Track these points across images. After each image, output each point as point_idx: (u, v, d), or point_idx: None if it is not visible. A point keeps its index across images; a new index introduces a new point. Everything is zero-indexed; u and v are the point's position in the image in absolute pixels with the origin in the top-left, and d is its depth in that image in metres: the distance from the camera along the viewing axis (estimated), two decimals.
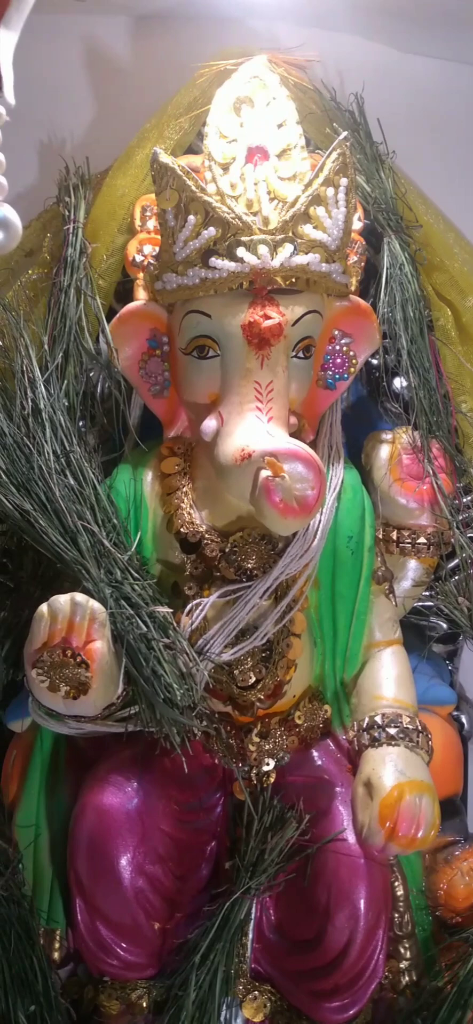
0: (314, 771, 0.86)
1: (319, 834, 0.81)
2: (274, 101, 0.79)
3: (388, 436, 0.91)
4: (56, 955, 0.85)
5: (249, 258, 0.74)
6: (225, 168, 0.77)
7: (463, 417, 0.93)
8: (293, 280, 0.76)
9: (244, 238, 0.75)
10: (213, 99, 0.80)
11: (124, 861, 0.79)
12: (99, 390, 0.92)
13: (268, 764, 0.85)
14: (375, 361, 0.93)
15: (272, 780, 0.85)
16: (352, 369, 0.87)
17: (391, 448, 0.90)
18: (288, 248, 0.75)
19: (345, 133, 0.79)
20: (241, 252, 0.74)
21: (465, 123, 1.05)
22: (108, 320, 0.87)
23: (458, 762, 0.96)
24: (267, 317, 0.75)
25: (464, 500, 0.94)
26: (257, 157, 0.77)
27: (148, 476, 0.86)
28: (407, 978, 0.85)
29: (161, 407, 0.87)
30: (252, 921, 0.83)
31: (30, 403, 0.83)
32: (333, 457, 0.88)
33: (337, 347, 0.86)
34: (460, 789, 0.97)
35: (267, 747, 0.84)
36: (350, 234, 0.81)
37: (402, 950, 0.85)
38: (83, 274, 0.89)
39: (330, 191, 0.77)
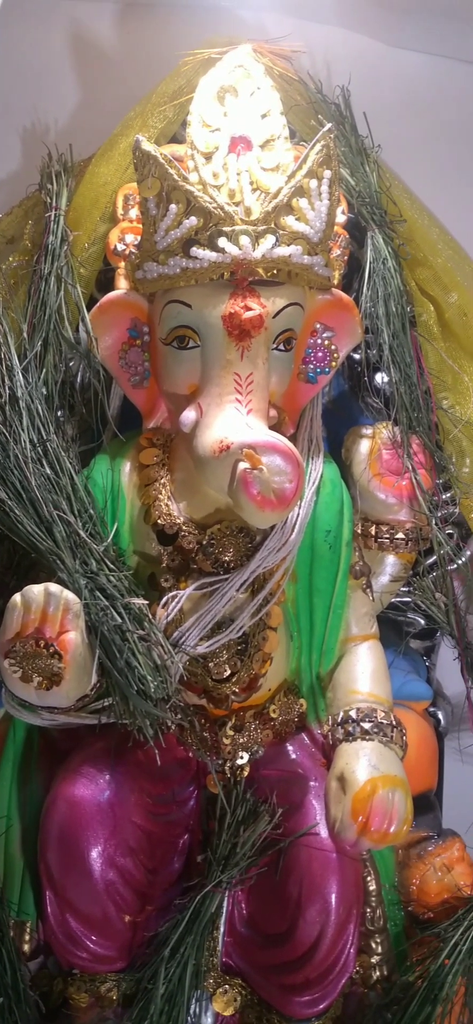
0: (288, 765, 0.86)
1: (292, 828, 0.81)
2: (258, 91, 0.78)
3: (368, 431, 0.91)
4: (26, 947, 0.84)
5: (230, 248, 0.74)
6: (208, 157, 0.76)
7: (444, 413, 0.94)
8: (275, 272, 0.76)
9: (226, 228, 0.74)
10: (197, 87, 0.80)
11: (95, 853, 0.79)
12: (79, 379, 0.91)
13: (242, 757, 0.84)
14: (357, 356, 0.94)
15: (246, 773, 0.85)
16: (333, 363, 0.87)
17: (371, 443, 0.90)
18: (270, 239, 0.75)
19: (329, 125, 0.78)
20: (222, 242, 0.74)
21: (451, 118, 1.05)
22: (89, 309, 0.86)
23: (433, 758, 0.97)
24: (248, 308, 0.75)
25: (443, 496, 0.94)
26: (240, 147, 0.76)
27: (126, 467, 0.86)
28: (378, 973, 0.85)
29: (141, 397, 0.86)
30: (223, 915, 0.82)
31: (7, 391, 0.82)
32: (313, 451, 0.87)
33: (319, 340, 0.86)
34: (434, 785, 0.97)
35: (241, 740, 0.84)
36: (333, 227, 0.81)
37: (374, 945, 0.85)
38: (64, 262, 0.88)
39: (313, 183, 0.76)
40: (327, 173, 0.77)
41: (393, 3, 0.93)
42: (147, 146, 0.75)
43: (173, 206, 0.75)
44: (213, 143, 0.76)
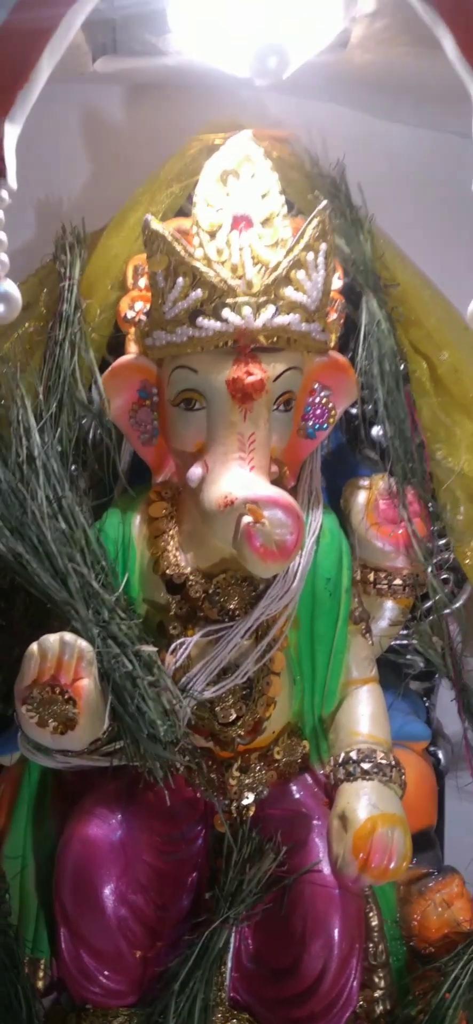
0: (292, 804, 0.89)
1: (296, 865, 0.83)
2: (258, 173, 0.83)
3: (365, 482, 0.95)
4: (40, 984, 0.87)
5: (233, 318, 0.79)
6: (212, 235, 0.81)
7: (437, 464, 0.97)
8: (275, 339, 0.80)
9: (229, 300, 0.79)
10: (202, 170, 0.86)
11: (108, 891, 0.82)
12: (91, 436, 0.96)
13: (248, 798, 0.87)
14: (354, 411, 0.97)
15: (251, 813, 0.88)
16: (331, 420, 0.92)
17: (368, 494, 0.94)
18: (270, 309, 0.79)
19: (325, 202, 0.84)
20: (226, 313, 0.79)
21: (440, 185, 1.11)
22: (101, 371, 0.91)
23: (432, 796, 0.99)
24: (250, 373, 0.79)
25: (438, 544, 0.98)
26: (242, 225, 0.81)
27: (136, 519, 0.90)
28: (381, 1007, 0.87)
29: (150, 454, 0.91)
30: (231, 950, 0.85)
31: (25, 451, 0.87)
32: (312, 502, 0.91)
33: (317, 399, 0.90)
34: (434, 822, 1.00)
35: (247, 781, 0.87)
36: (329, 295, 0.86)
37: (376, 979, 0.87)
38: (77, 328, 0.93)
39: (310, 256, 0.81)
40: (323, 246, 0.82)
41: (382, 83, 0.99)
42: (156, 225, 0.81)
43: (180, 279, 0.80)
44: (217, 221, 0.81)
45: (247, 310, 0.79)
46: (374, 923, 0.88)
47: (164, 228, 0.81)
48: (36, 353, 0.96)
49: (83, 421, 0.94)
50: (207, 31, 0.84)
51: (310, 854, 0.84)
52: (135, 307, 0.91)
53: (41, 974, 0.87)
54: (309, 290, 0.82)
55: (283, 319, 0.80)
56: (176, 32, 0.87)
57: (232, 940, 0.85)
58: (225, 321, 0.79)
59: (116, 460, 0.94)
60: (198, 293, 0.79)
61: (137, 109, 1.08)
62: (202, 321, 0.79)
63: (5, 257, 0.64)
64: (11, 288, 0.64)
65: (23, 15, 0.59)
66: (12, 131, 0.62)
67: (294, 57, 0.83)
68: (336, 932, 0.81)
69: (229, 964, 0.85)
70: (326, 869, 0.83)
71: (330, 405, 0.91)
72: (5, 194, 0.63)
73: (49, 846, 0.88)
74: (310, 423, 0.91)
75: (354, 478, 0.97)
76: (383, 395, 0.93)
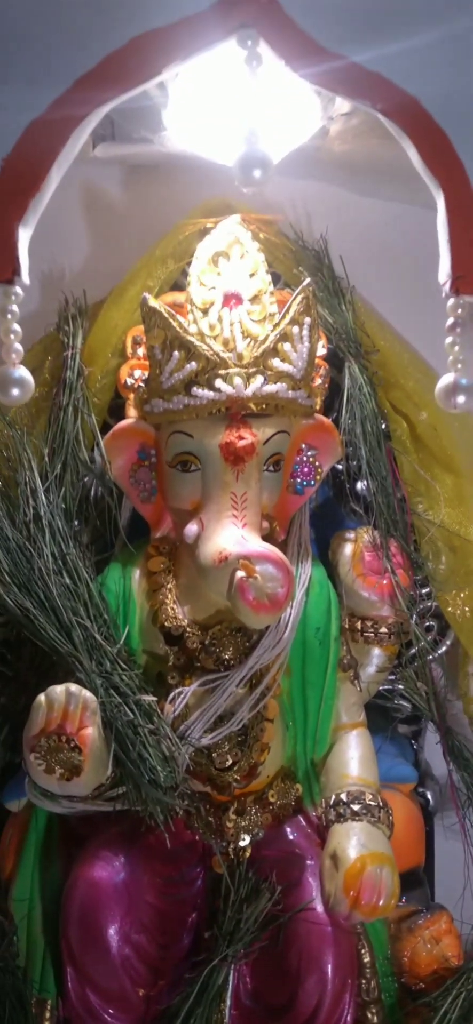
0: (286, 846, 0.92)
1: (291, 904, 0.87)
2: (247, 254, 0.90)
3: (351, 535, 1.00)
4: None
5: (226, 388, 0.84)
6: (205, 311, 0.87)
7: (418, 517, 1.03)
8: (264, 406, 0.86)
9: (221, 371, 0.84)
10: (195, 251, 0.92)
11: (112, 930, 0.85)
12: (93, 494, 1.00)
13: (244, 840, 0.91)
14: (340, 466, 1.03)
15: (248, 854, 0.91)
16: (318, 477, 0.97)
17: (354, 546, 0.98)
18: (259, 379, 0.85)
19: (308, 280, 0.90)
20: (219, 383, 0.84)
21: (416, 255, 1.17)
22: (102, 432, 0.97)
23: (419, 836, 1.03)
24: (241, 438, 0.84)
25: (421, 592, 1.04)
26: (232, 302, 0.87)
27: (136, 574, 0.94)
28: None
29: (149, 511, 0.95)
30: (229, 988, 0.87)
31: (32, 510, 0.92)
32: (302, 555, 0.96)
33: (304, 458, 0.96)
34: (422, 861, 1.03)
35: (243, 824, 0.91)
36: (314, 364, 0.92)
37: (369, 1015, 0.90)
38: (80, 394, 0.99)
39: (295, 329, 0.87)
40: (307, 320, 0.88)
41: (361, 166, 1.06)
42: (153, 303, 0.87)
43: (176, 353, 0.85)
44: (209, 299, 0.88)
45: (238, 380, 0.85)
46: (366, 960, 0.91)
47: (161, 305, 0.87)
48: (41, 417, 1.01)
49: (85, 480, 0.99)
50: (198, 129, 0.92)
51: (304, 893, 0.88)
52: (134, 375, 0.97)
53: (48, 1014, 0.89)
54: (295, 360, 0.88)
55: (271, 388, 0.86)
56: (170, 129, 0.94)
57: (231, 978, 0.88)
58: (218, 391, 0.85)
59: (117, 517, 0.99)
60: (193, 365, 0.85)
61: (134, 188, 1.14)
62: (197, 391, 0.85)
63: (19, 346, 0.70)
64: (26, 374, 0.70)
65: (36, 133, 0.66)
66: (25, 234, 0.68)
67: (277, 153, 0.90)
68: (329, 968, 0.84)
69: (228, 1002, 0.87)
70: (319, 907, 0.86)
71: (317, 463, 0.97)
72: (19, 290, 0.69)
73: (55, 889, 0.91)
74: (298, 480, 0.97)
75: (341, 531, 1.02)
76: (366, 453, 0.99)
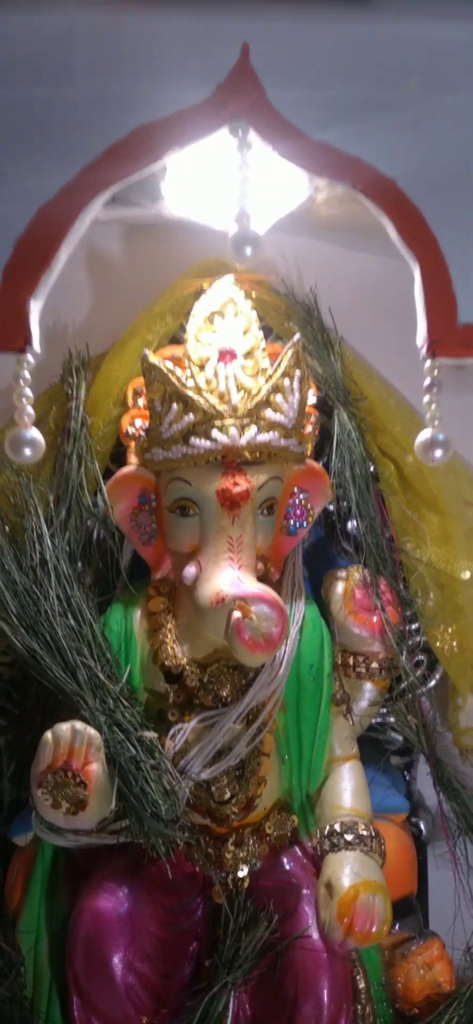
0: (283, 875, 0.95)
1: (288, 932, 0.90)
2: (240, 313, 0.95)
3: (342, 574, 1.03)
4: None
5: (221, 438, 0.89)
6: (201, 367, 0.92)
7: (407, 556, 1.07)
8: (258, 454, 0.90)
9: (217, 422, 0.89)
10: (192, 309, 0.97)
11: (117, 959, 0.88)
12: (95, 537, 1.04)
13: (242, 870, 0.94)
14: (331, 507, 1.06)
15: (246, 885, 0.94)
16: (310, 518, 1.01)
17: (345, 584, 1.02)
18: (253, 429, 0.90)
19: (298, 335, 0.95)
20: (215, 433, 0.89)
21: (401, 306, 1.22)
22: (105, 477, 1.01)
23: (412, 865, 1.05)
24: (237, 484, 0.89)
25: (410, 628, 1.08)
26: (227, 357, 0.91)
27: (137, 614, 0.98)
28: None
29: (149, 553, 0.99)
30: (229, 1014, 0.89)
31: (38, 555, 0.95)
32: (295, 594, 1.00)
33: (296, 501, 1.00)
34: (414, 889, 1.06)
35: (241, 855, 0.94)
36: (304, 413, 0.96)
37: None
38: (84, 442, 1.02)
39: (286, 381, 0.92)
40: (297, 372, 0.93)
41: (347, 226, 1.12)
42: (153, 359, 0.92)
43: (174, 405, 0.90)
44: (206, 355, 0.92)
45: (233, 431, 0.89)
46: (361, 986, 0.93)
47: (160, 361, 0.92)
48: (47, 465, 1.05)
49: (89, 524, 1.03)
50: (193, 199, 0.98)
51: (300, 921, 0.91)
52: (135, 424, 1.01)
53: None
54: (286, 411, 0.92)
55: (264, 437, 0.91)
56: (167, 198, 1.00)
57: (231, 1004, 0.90)
58: (214, 440, 0.89)
59: (118, 559, 1.03)
60: (190, 417, 0.90)
61: (133, 247, 1.18)
62: (194, 440, 0.90)
63: (31, 410, 0.76)
64: (37, 435, 0.76)
65: (46, 216, 0.72)
66: (36, 307, 0.74)
67: (267, 221, 0.97)
68: (325, 994, 0.86)
69: None
70: (315, 935, 0.89)
71: (309, 506, 1.01)
72: (31, 358, 0.75)
73: (61, 921, 0.93)
74: (291, 522, 1.01)
75: (332, 569, 1.06)
76: (355, 495, 1.04)
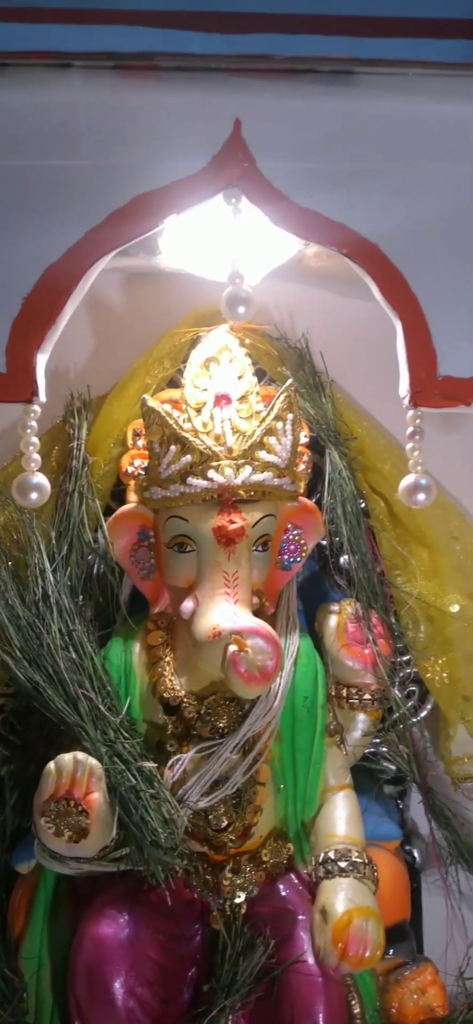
0: (279, 902, 0.97)
1: (284, 957, 0.92)
2: (235, 359, 0.99)
3: (336, 607, 1.06)
4: None
5: (217, 478, 0.92)
6: (198, 411, 0.96)
7: (397, 590, 1.10)
8: (252, 492, 0.94)
9: (214, 463, 0.92)
10: (189, 355, 1.01)
11: (117, 984, 0.89)
12: (96, 571, 1.07)
13: (239, 897, 0.96)
14: (324, 542, 1.10)
15: (243, 911, 0.96)
16: (304, 554, 1.05)
17: (338, 617, 1.05)
18: (248, 469, 0.93)
19: (290, 380, 0.99)
20: (211, 474, 0.92)
21: (390, 348, 1.27)
22: (105, 514, 1.04)
23: (404, 891, 1.07)
24: (232, 522, 0.92)
25: (401, 660, 1.11)
26: (223, 401, 0.95)
27: (136, 647, 1.01)
28: None
29: (148, 588, 1.02)
30: None
31: (40, 590, 0.99)
32: (290, 627, 1.03)
33: (290, 537, 1.04)
34: (408, 915, 1.07)
35: (238, 882, 0.96)
36: (297, 453, 1.00)
37: None
38: (85, 480, 1.06)
39: (279, 424, 0.96)
40: (290, 415, 0.97)
41: (337, 274, 1.18)
42: (152, 403, 0.96)
43: (173, 447, 0.94)
44: (202, 400, 0.96)
45: (229, 471, 0.93)
46: (356, 1011, 0.95)
47: (159, 405, 0.96)
48: (49, 502, 1.06)
49: (89, 559, 1.07)
50: (190, 253, 1.04)
51: (296, 947, 0.93)
52: (134, 463, 1.04)
53: None
54: (279, 452, 0.96)
55: (258, 476, 0.94)
56: (165, 252, 1.06)
57: None
58: (210, 480, 0.93)
59: (118, 593, 1.06)
60: (188, 458, 0.93)
61: (133, 295, 1.22)
62: (191, 480, 0.93)
63: (38, 456, 0.80)
64: (43, 480, 0.80)
65: (52, 276, 0.76)
66: (42, 360, 0.79)
67: (259, 273, 1.02)
68: (321, 1018, 0.89)
69: None
70: (310, 960, 0.91)
71: (302, 541, 1.05)
72: (37, 408, 0.79)
73: (63, 947, 0.95)
74: (285, 557, 1.04)
75: (326, 603, 1.08)
76: (346, 532, 1.07)
